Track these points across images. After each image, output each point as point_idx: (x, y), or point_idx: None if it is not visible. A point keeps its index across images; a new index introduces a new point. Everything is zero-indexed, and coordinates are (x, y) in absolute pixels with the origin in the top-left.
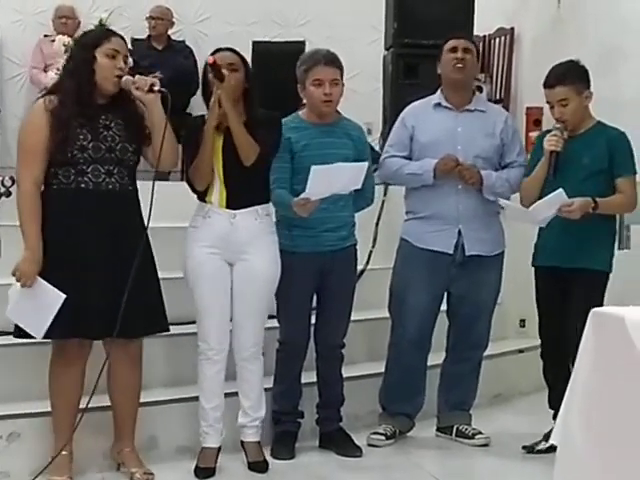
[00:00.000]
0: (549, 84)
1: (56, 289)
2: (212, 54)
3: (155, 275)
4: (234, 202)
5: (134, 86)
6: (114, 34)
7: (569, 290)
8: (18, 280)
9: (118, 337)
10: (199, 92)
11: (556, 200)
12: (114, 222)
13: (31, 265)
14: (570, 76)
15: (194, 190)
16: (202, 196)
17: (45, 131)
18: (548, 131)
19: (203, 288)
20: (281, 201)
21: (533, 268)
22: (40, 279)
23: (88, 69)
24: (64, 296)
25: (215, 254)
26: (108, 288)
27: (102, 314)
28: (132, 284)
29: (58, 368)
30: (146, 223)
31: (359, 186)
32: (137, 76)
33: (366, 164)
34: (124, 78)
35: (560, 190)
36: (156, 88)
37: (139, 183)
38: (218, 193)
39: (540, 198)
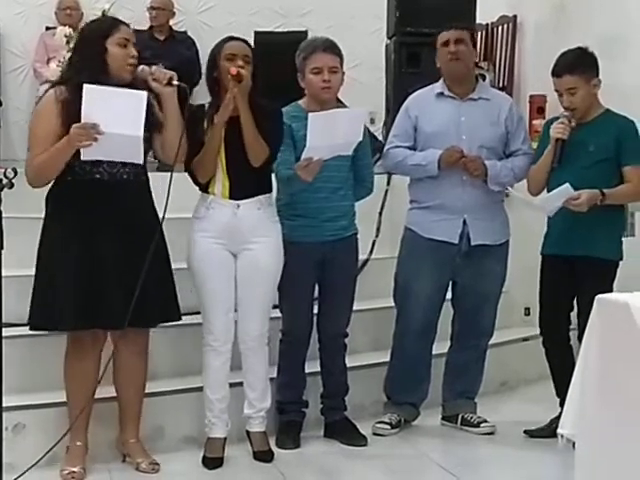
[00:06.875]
0: (557, 73)
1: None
2: (223, 41)
3: (168, 265)
4: (237, 193)
5: (151, 77)
6: (122, 23)
7: (578, 280)
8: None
9: (132, 327)
10: (201, 82)
11: (563, 193)
12: (129, 213)
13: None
14: (579, 65)
15: (196, 182)
16: (204, 187)
17: (57, 122)
18: (555, 118)
19: (208, 279)
20: (286, 175)
21: (540, 257)
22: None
23: (101, 61)
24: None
25: (219, 245)
26: (124, 279)
27: (118, 305)
28: (146, 274)
29: (73, 359)
30: (161, 215)
31: (360, 137)
32: (154, 67)
33: (364, 109)
34: (140, 68)
35: (567, 184)
36: (175, 82)
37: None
38: (221, 184)
39: (547, 185)
